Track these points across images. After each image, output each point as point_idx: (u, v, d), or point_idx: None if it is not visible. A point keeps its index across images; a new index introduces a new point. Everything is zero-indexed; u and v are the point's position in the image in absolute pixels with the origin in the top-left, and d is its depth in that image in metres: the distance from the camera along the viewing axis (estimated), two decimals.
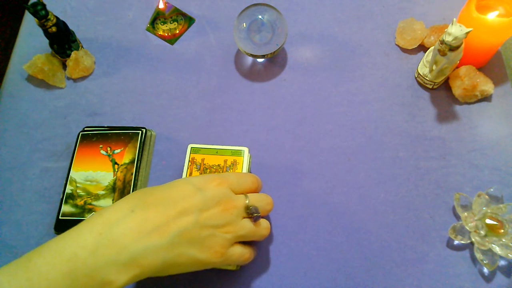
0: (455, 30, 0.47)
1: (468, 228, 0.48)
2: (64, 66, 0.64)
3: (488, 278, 0.48)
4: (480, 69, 0.57)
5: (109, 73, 0.64)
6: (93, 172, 0.54)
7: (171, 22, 0.66)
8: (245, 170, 0.50)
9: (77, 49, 0.63)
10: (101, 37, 0.66)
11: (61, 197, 0.53)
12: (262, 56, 0.58)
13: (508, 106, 0.56)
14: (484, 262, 0.46)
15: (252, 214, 0.41)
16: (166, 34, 0.66)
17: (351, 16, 0.64)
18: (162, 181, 0.54)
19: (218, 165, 0.51)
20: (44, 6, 0.56)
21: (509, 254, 0.46)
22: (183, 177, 0.51)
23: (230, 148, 0.52)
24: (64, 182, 0.54)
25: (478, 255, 0.47)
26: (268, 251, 0.51)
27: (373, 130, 0.56)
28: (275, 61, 0.62)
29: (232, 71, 0.62)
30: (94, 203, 0.52)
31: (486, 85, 0.55)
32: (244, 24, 0.57)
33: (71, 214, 0.52)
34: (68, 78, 0.63)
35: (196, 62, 0.63)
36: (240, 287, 0.49)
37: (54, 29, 0.58)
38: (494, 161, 0.53)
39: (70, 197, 0.53)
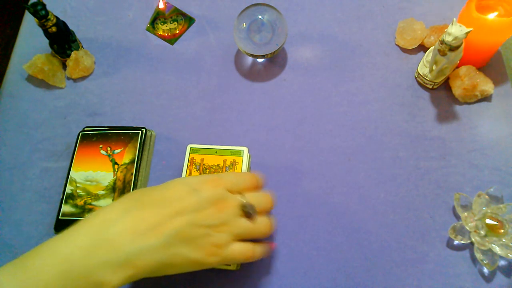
0: (455, 30, 0.47)
1: (468, 228, 0.48)
2: (64, 66, 0.64)
3: (488, 278, 0.48)
4: (480, 69, 0.57)
5: (109, 73, 0.64)
6: (93, 172, 0.54)
7: (171, 22, 0.66)
8: (244, 170, 0.50)
9: (77, 49, 0.63)
10: (101, 37, 0.66)
11: (61, 197, 0.53)
12: (262, 56, 0.58)
13: (508, 106, 0.56)
14: (484, 262, 0.46)
15: (247, 212, 0.41)
16: (166, 34, 0.66)
17: (351, 16, 0.64)
18: (162, 181, 0.54)
19: (218, 165, 0.51)
20: (44, 6, 0.56)
21: (509, 254, 0.45)
22: (182, 177, 0.51)
23: (230, 148, 0.52)
24: (64, 182, 0.54)
25: (478, 255, 0.47)
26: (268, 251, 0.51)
27: (373, 130, 0.56)
28: (275, 61, 0.62)
29: (232, 71, 0.62)
30: (94, 203, 0.52)
31: (486, 85, 0.55)
32: (244, 24, 0.57)
33: (71, 214, 0.52)
34: (68, 78, 0.64)
35: (196, 62, 0.63)
36: (240, 287, 0.49)
37: (54, 29, 0.58)
38: (494, 161, 0.53)
39: (70, 197, 0.53)
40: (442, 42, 0.49)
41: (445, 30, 0.48)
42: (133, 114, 0.60)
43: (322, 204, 0.53)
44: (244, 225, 0.41)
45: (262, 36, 0.57)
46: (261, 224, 0.43)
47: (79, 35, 0.65)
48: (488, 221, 0.47)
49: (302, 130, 0.57)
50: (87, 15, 0.68)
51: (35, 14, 0.56)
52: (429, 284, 0.48)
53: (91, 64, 0.63)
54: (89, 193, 0.53)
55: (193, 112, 0.60)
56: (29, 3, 0.58)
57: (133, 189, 0.52)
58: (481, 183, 0.52)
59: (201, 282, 0.49)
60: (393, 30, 0.62)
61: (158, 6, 0.68)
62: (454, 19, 0.47)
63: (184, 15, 0.67)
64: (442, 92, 0.58)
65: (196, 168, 0.51)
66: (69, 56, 0.62)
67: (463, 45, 0.50)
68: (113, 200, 0.52)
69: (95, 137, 0.56)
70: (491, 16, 0.52)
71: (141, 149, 0.54)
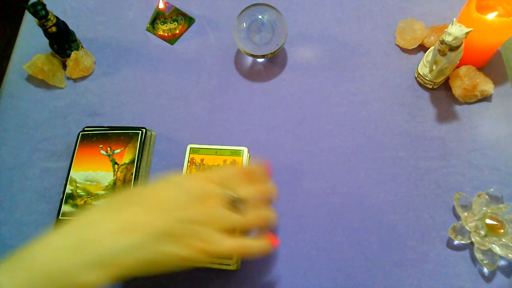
0: (455, 30, 0.47)
1: (468, 228, 0.48)
2: (64, 66, 0.64)
3: (488, 278, 0.48)
4: (480, 69, 0.57)
5: (109, 73, 0.64)
6: (93, 172, 0.54)
7: (171, 22, 0.66)
8: None
9: (77, 49, 0.63)
10: (101, 37, 0.66)
11: (61, 197, 0.53)
12: (262, 56, 0.58)
13: (508, 106, 0.56)
14: (484, 262, 0.46)
15: (236, 206, 0.40)
16: (166, 34, 0.66)
17: (351, 16, 0.64)
18: None
19: (218, 165, 0.51)
20: (44, 6, 0.56)
21: (509, 254, 0.45)
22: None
23: (230, 148, 0.52)
24: (64, 182, 0.54)
25: (478, 255, 0.47)
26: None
27: (373, 130, 0.56)
28: (275, 61, 0.62)
29: (232, 71, 0.62)
30: (94, 203, 0.52)
31: (486, 85, 0.55)
32: (244, 24, 0.57)
33: (71, 214, 0.52)
34: (68, 78, 0.64)
35: (196, 62, 0.63)
36: (240, 287, 0.49)
37: (54, 29, 0.58)
38: (494, 161, 0.53)
39: (70, 197, 0.53)
40: (442, 42, 0.49)
41: (445, 30, 0.48)
42: (133, 114, 0.60)
43: (322, 204, 0.53)
44: (232, 219, 0.40)
45: (262, 36, 0.57)
46: (251, 217, 0.41)
47: (79, 35, 0.65)
48: (488, 221, 0.47)
49: (302, 130, 0.57)
50: (87, 15, 0.68)
51: (35, 14, 0.56)
52: (429, 284, 0.48)
53: (91, 64, 0.63)
54: (89, 193, 0.53)
55: (193, 112, 0.60)
56: (29, 3, 0.58)
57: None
58: (481, 183, 0.52)
59: (201, 282, 0.49)
60: (393, 30, 0.62)
61: (158, 6, 0.68)
62: (454, 19, 0.47)
63: (184, 15, 0.67)
64: (442, 92, 0.58)
65: (196, 168, 0.51)
66: (69, 56, 0.62)
67: (463, 45, 0.50)
68: None
69: (95, 137, 0.56)
70: (491, 16, 0.52)
71: (141, 149, 0.54)
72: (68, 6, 0.69)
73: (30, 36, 0.67)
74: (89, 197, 0.53)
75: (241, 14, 0.57)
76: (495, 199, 0.49)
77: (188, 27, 0.66)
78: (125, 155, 0.54)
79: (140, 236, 0.36)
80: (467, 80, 0.54)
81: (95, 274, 0.34)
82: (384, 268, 0.49)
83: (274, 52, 0.58)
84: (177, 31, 0.66)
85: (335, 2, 0.65)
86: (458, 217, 0.51)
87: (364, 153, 0.55)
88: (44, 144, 0.59)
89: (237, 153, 0.51)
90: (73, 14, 0.68)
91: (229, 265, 0.46)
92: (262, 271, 0.50)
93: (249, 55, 0.59)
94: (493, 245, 0.46)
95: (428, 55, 0.57)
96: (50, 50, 0.63)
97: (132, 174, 0.53)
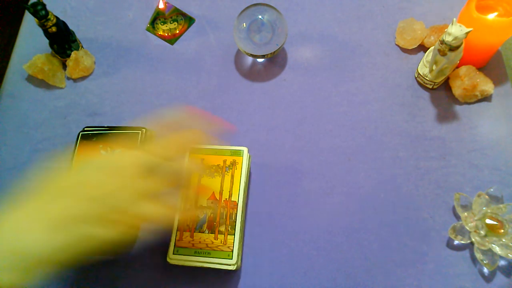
0: (455, 30, 0.47)
1: (468, 228, 0.48)
2: (64, 66, 0.64)
3: (488, 278, 0.48)
4: (480, 69, 0.57)
5: (109, 73, 0.64)
6: None
7: (171, 22, 0.66)
8: (244, 170, 0.50)
9: (77, 49, 0.63)
10: (101, 37, 0.66)
11: None
12: (262, 56, 0.58)
13: (508, 106, 0.56)
14: (484, 262, 0.46)
15: (145, 169, 0.39)
16: (166, 34, 0.66)
17: (351, 16, 0.64)
18: None
19: (218, 165, 0.51)
20: (44, 6, 0.56)
21: (509, 254, 0.45)
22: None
23: (230, 148, 0.52)
24: None
25: (478, 255, 0.47)
26: (268, 251, 0.51)
27: (373, 130, 0.56)
28: (275, 61, 0.62)
29: (232, 71, 0.62)
30: None
31: (486, 85, 0.55)
32: (244, 24, 0.57)
33: None
34: (68, 78, 0.64)
35: (196, 62, 0.63)
36: (240, 287, 0.49)
37: (54, 29, 0.58)
38: (494, 161, 0.53)
39: None
40: (442, 42, 0.49)
41: (445, 30, 0.48)
42: (133, 114, 0.60)
43: (322, 204, 0.53)
44: (145, 184, 0.39)
45: (262, 36, 0.57)
46: (165, 179, 0.40)
47: (79, 35, 0.65)
48: (488, 221, 0.47)
49: (302, 130, 0.57)
50: (87, 15, 0.68)
51: (35, 14, 0.56)
52: (429, 284, 0.48)
53: (91, 64, 0.63)
54: None
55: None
56: (29, 3, 0.58)
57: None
58: (481, 183, 0.52)
59: (201, 282, 0.49)
60: (393, 30, 0.62)
61: (158, 6, 0.68)
62: (454, 19, 0.47)
63: (184, 15, 0.67)
64: (442, 92, 0.58)
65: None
66: (69, 56, 0.62)
67: (463, 45, 0.50)
68: None
69: (95, 137, 0.56)
70: (491, 16, 0.52)
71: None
72: (68, 6, 0.69)
73: (30, 36, 0.67)
74: None
75: (241, 14, 0.57)
76: (495, 199, 0.49)
77: (188, 27, 0.66)
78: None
79: (47, 225, 0.34)
80: (467, 80, 0.54)
81: (6, 276, 0.33)
82: (384, 268, 0.49)
83: (274, 52, 0.58)
84: (177, 31, 0.66)
85: (335, 2, 0.65)
86: (458, 217, 0.51)
87: (364, 153, 0.55)
88: (44, 144, 0.59)
89: (237, 153, 0.51)
90: (73, 14, 0.68)
91: (229, 265, 0.46)
92: (262, 271, 0.50)
93: (249, 55, 0.59)
94: (493, 245, 0.46)
95: (428, 55, 0.57)
96: (50, 50, 0.63)
97: None
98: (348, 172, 0.54)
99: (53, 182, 0.37)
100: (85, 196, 0.36)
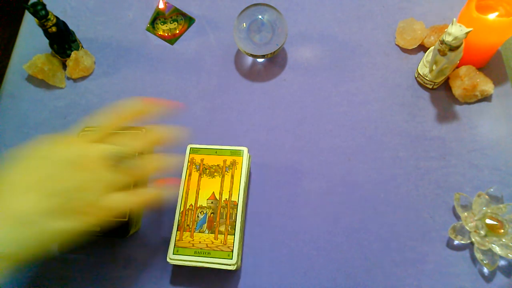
0: (455, 30, 0.47)
1: (468, 228, 0.48)
2: (64, 66, 0.64)
3: (488, 278, 0.48)
4: (480, 69, 0.57)
5: (109, 73, 0.64)
6: None
7: (171, 22, 0.66)
8: (244, 170, 0.50)
9: (77, 49, 0.63)
10: (101, 37, 0.66)
11: None
12: (262, 56, 0.58)
13: (508, 106, 0.56)
14: (484, 262, 0.46)
15: (112, 161, 0.38)
16: (166, 34, 0.66)
17: (351, 16, 0.64)
18: None
19: (218, 165, 0.51)
20: (44, 6, 0.56)
21: (509, 254, 0.45)
22: (182, 178, 0.51)
23: (229, 148, 0.52)
24: None
25: (478, 255, 0.47)
26: (268, 251, 0.51)
27: (373, 130, 0.56)
28: (275, 61, 0.62)
29: (232, 71, 0.62)
30: None
31: (486, 85, 0.55)
32: (244, 24, 0.57)
33: None
34: (68, 78, 0.64)
35: (196, 62, 0.63)
36: (240, 287, 0.49)
37: (54, 29, 0.58)
38: (494, 161, 0.53)
39: None
40: (442, 42, 0.49)
41: (445, 30, 0.48)
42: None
43: (322, 204, 0.53)
44: (111, 176, 0.38)
45: (262, 36, 0.57)
46: (134, 170, 0.40)
47: (79, 35, 0.65)
48: (488, 221, 0.47)
49: (302, 130, 0.57)
50: (87, 15, 0.68)
51: (35, 14, 0.56)
52: (429, 284, 0.48)
53: (91, 64, 0.63)
54: None
55: (193, 112, 0.59)
56: (29, 3, 0.58)
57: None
58: (481, 183, 0.52)
59: (201, 282, 0.49)
60: (393, 30, 0.62)
61: (158, 6, 0.68)
62: (454, 19, 0.47)
63: (184, 15, 0.67)
64: (442, 92, 0.58)
65: (196, 168, 0.51)
66: (69, 56, 0.62)
67: (463, 45, 0.50)
68: None
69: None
70: (491, 16, 0.52)
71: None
72: (68, 6, 0.69)
73: (30, 36, 0.67)
74: None
75: (241, 14, 0.57)
76: (495, 199, 0.49)
77: (188, 27, 0.66)
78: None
79: (12, 222, 0.34)
80: (467, 80, 0.54)
81: None
82: (384, 268, 0.49)
83: (274, 52, 0.58)
84: (177, 31, 0.66)
85: (335, 2, 0.65)
86: (458, 217, 0.51)
87: (364, 153, 0.55)
88: None
89: (237, 153, 0.51)
90: (73, 14, 0.68)
91: (229, 265, 0.46)
92: (262, 271, 0.50)
93: (249, 55, 0.59)
94: (493, 245, 0.46)
95: (428, 55, 0.57)
96: (50, 50, 0.63)
97: None
98: (348, 172, 0.54)
99: (18, 178, 0.37)
100: (50, 191, 0.36)
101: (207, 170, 0.51)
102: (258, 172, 0.55)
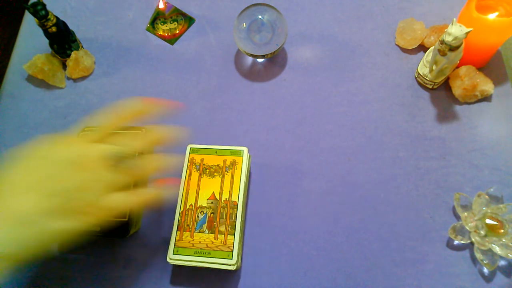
0: (455, 30, 0.47)
1: (468, 228, 0.48)
2: (64, 66, 0.64)
3: (488, 278, 0.48)
4: (480, 69, 0.57)
5: (109, 73, 0.64)
6: None
7: (171, 22, 0.66)
8: (244, 170, 0.50)
9: (77, 49, 0.63)
10: (101, 37, 0.66)
11: None
12: (262, 56, 0.58)
13: (508, 106, 0.56)
14: (484, 262, 0.46)
15: (112, 161, 0.39)
16: (166, 34, 0.66)
17: (351, 16, 0.64)
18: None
19: (218, 165, 0.51)
20: (44, 6, 0.56)
21: (509, 254, 0.45)
22: (182, 178, 0.51)
23: (229, 148, 0.52)
24: None
25: (478, 255, 0.47)
26: (268, 251, 0.51)
27: (373, 130, 0.56)
28: (275, 61, 0.62)
29: (232, 71, 0.62)
30: None
31: (486, 85, 0.55)
32: (244, 24, 0.57)
33: None
34: (68, 78, 0.64)
35: (196, 62, 0.63)
36: (240, 287, 0.49)
37: (54, 29, 0.58)
38: (494, 161, 0.53)
39: None
40: (442, 42, 0.49)
41: (445, 30, 0.48)
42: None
43: (322, 204, 0.53)
44: (111, 176, 0.38)
45: (262, 36, 0.57)
46: (134, 170, 0.40)
47: (79, 35, 0.65)
48: (488, 221, 0.47)
49: (302, 130, 0.57)
50: (87, 15, 0.68)
51: (35, 14, 0.56)
52: (429, 284, 0.48)
53: (91, 64, 0.63)
54: None
55: (193, 112, 0.60)
56: (29, 3, 0.58)
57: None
58: (481, 183, 0.52)
59: (201, 282, 0.49)
60: (393, 30, 0.62)
61: (158, 6, 0.68)
62: (454, 19, 0.47)
63: (184, 15, 0.67)
64: (442, 92, 0.58)
65: (196, 168, 0.51)
66: (69, 56, 0.62)
67: (463, 45, 0.50)
68: None
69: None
70: (491, 16, 0.52)
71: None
72: (68, 6, 0.69)
73: (30, 36, 0.67)
74: None
75: (241, 14, 0.57)
76: (495, 199, 0.49)
77: (188, 27, 0.66)
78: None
79: (12, 222, 0.34)
80: (467, 80, 0.54)
81: None
82: (384, 268, 0.49)
83: (274, 52, 0.58)
84: (177, 31, 0.66)
85: (335, 2, 0.65)
86: (458, 217, 0.51)
87: (364, 153, 0.55)
88: None
89: (237, 153, 0.51)
90: (73, 14, 0.68)
91: (229, 265, 0.46)
92: (262, 271, 0.50)
93: (249, 55, 0.59)
94: (493, 245, 0.46)
95: (428, 55, 0.57)
96: (50, 50, 0.63)
97: None
98: (348, 172, 0.54)
99: (18, 178, 0.37)
100: (50, 191, 0.36)
101: (207, 170, 0.51)
102: (258, 172, 0.55)
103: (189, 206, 0.49)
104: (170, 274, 0.50)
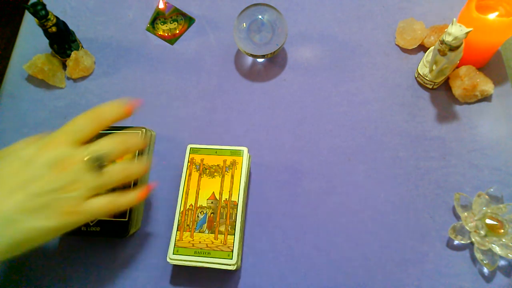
0: (455, 30, 0.47)
1: (468, 228, 0.48)
2: (64, 66, 0.64)
3: (488, 278, 0.48)
4: (480, 69, 0.57)
5: (109, 73, 0.64)
6: None
7: (171, 22, 0.66)
8: (244, 170, 0.50)
9: (77, 49, 0.63)
10: (101, 37, 0.66)
11: None
12: (262, 56, 0.58)
13: (508, 106, 0.56)
14: (484, 262, 0.46)
15: (97, 164, 0.39)
16: (166, 34, 0.66)
17: (351, 16, 0.64)
18: (162, 182, 0.54)
19: (218, 165, 0.51)
20: (44, 6, 0.56)
21: (509, 254, 0.46)
22: (182, 178, 0.51)
23: (229, 148, 0.52)
24: None
25: (478, 255, 0.47)
26: (268, 251, 0.51)
27: (373, 130, 0.56)
28: (275, 61, 0.62)
29: (232, 71, 0.62)
30: None
31: (486, 85, 0.55)
32: (244, 24, 0.57)
33: None
34: (68, 78, 0.64)
35: (196, 62, 0.63)
36: (240, 287, 0.49)
37: (54, 29, 0.58)
38: (494, 161, 0.53)
39: None
40: (442, 42, 0.49)
41: (445, 30, 0.48)
42: (133, 114, 0.60)
43: (322, 204, 0.53)
44: (94, 179, 0.39)
45: (262, 36, 0.57)
46: (115, 173, 0.41)
47: (79, 35, 0.65)
48: (488, 221, 0.47)
49: (302, 130, 0.57)
50: (87, 15, 0.68)
51: (35, 14, 0.56)
52: (429, 284, 0.48)
53: (91, 64, 0.63)
54: None
55: (193, 112, 0.60)
56: (29, 3, 0.58)
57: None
58: (481, 183, 0.52)
59: (201, 282, 0.49)
60: (393, 30, 0.62)
61: (158, 6, 0.68)
62: (454, 19, 0.47)
63: (184, 15, 0.67)
64: (442, 92, 0.58)
65: (196, 168, 0.51)
66: (69, 56, 0.62)
67: (463, 45, 0.50)
68: None
69: (95, 137, 0.56)
70: (491, 16, 0.52)
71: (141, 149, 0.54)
72: (68, 6, 0.69)
73: (30, 36, 0.67)
74: None
75: (241, 14, 0.57)
76: (495, 199, 0.49)
77: (188, 27, 0.66)
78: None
79: (15, 227, 0.36)
80: (467, 80, 0.54)
81: None
82: (384, 268, 0.49)
83: (274, 52, 0.58)
84: (177, 31, 0.66)
85: (335, 2, 0.65)
86: (458, 217, 0.51)
87: (364, 153, 0.55)
88: None
89: (237, 153, 0.51)
90: (73, 14, 0.68)
91: (229, 265, 0.46)
92: (262, 271, 0.50)
93: (249, 55, 0.59)
94: (493, 245, 0.46)
95: (428, 55, 0.57)
96: (50, 50, 0.63)
97: None
98: (348, 172, 0.54)
99: (3, 179, 0.38)
100: (32, 191, 0.37)
101: (207, 170, 0.51)
102: (258, 172, 0.55)
103: (189, 206, 0.49)
104: (170, 274, 0.50)
